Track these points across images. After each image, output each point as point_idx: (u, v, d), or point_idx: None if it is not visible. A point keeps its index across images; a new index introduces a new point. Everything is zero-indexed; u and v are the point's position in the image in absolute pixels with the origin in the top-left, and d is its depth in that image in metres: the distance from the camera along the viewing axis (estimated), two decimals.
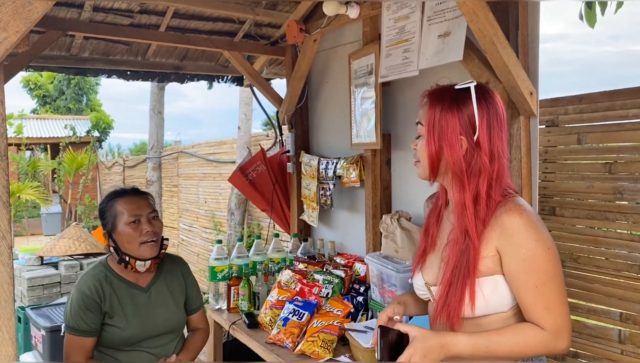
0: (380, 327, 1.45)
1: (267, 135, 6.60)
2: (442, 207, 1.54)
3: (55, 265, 5.32)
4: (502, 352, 1.34)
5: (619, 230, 2.04)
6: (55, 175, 14.56)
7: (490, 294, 1.37)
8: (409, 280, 1.65)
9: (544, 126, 2.25)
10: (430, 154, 1.43)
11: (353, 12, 2.60)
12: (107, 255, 2.18)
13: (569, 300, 2.15)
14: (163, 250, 2.15)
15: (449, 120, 1.39)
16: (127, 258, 2.06)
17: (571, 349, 2.16)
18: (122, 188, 2.17)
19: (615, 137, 2.04)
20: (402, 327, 1.43)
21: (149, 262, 2.08)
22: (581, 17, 2.86)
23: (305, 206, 3.39)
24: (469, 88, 1.40)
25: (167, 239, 2.20)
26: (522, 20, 1.98)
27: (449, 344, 1.36)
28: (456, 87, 1.43)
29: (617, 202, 2.03)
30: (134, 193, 2.14)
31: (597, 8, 2.84)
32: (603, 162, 2.08)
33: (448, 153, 1.40)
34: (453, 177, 1.43)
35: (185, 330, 2.33)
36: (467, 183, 1.39)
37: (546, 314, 1.32)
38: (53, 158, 15.57)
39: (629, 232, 2.00)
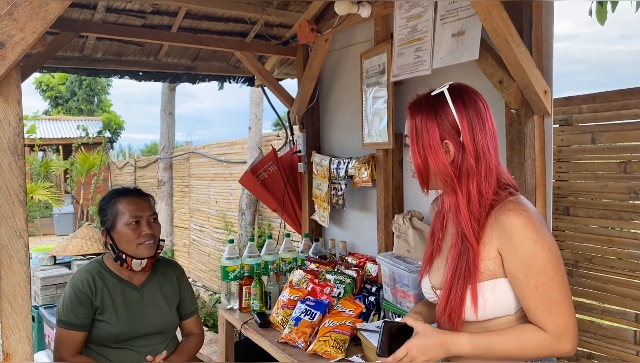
0: (384, 321, 1.45)
1: (278, 136, 6.60)
2: (446, 211, 1.53)
3: (68, 265, 5.36)
4: (502, 353, 1.34)
5: (633, 230, 2.02)
6: (67, 176, 14.70)
7: (493, 298, 1.36)
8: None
9: (557, 125, 2.23)
10: (417, 165, 1.44)
11: (365, 11, 2.60)
12: (104, 253, 2.22)
13: (584, 300, 2.15)
14: (159, 251, 2.19)
15: (429, 128, 1.40)
16: (123, 256, 2.10)
17: (585, 350, 2.14)
18: (125, 188, 2.21)
19: (630, 136, 2.02)
20: (409, 321, 1.43)
21: (145, 260, 2.13)
22: (590, 13, 2.83)
23: (316, 206, 3.39)
24: (444, 92, 1.40)
25: (163, 240, 2.23)
26: (535, 18, 1.97)
27: (449, 343, 1.37)
28: (432, 93, 1.43)
29: (632, 202, 2.01)
30: (137, 194, 2.18)
31: (609, 6, 2.80)
32: (617, 161, 2.06)
33: (433, 162, 1.40)
34: (443, 183, 1.43)
35: (179, 335, 2.35)
36: (457, 187, 1.39)
37: (547, 316, 1.30)
38: (65, 159, 15.73)
39: None
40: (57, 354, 2.04)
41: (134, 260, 2.11)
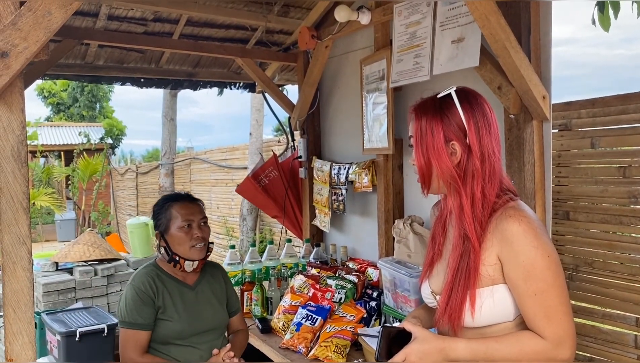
0: (383, 327, 1.46)
1: (279, 141, 6.63)
2: (447, 216, 1.53)
3: (70, 271, 5.36)
4: (500, 359, 1.33)
5: (633, 234, 2.02)
6: (69, 182, 14.73)
7: (491, 303, 1.36)
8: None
9: (557, 130, 2.24)
10: (420, 166, 1.44)
11: (364, 18, 2.62)
12: (156, 256, 2.32)
13: (584, 305, 2.15)
14: (209, 253, 2.29)
15: (434, 130, 1.40)
16: (177, 258, 2.20)
17: (586, 354, 2.14)
18: (176, 193, 2.34)
19: (629, 140, 2.03)
20: (408, 326, 1.43)
21: (197, 262, 2.23)
22: (593, 22, 2.84)
23: (317, 211, 3.40)
24: (450, 94, 1.41)
25: (212, 243, 2.32)
26: (534, 24, 1.98)
27: (447, 349, 1.36)
28: (438, 95, 1.43)
29: (632, 206, 2.02)
30: (188, 199, 2.29)
31: (610, 11, 2.81)
32: (617, 166, 2.07)
33: (436, 163, 1.40)
34: (446, 185, 1.43)
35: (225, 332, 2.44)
36: (462, 189, 1.39)
37: (545, 323, 1.30)
38: (67, 165, 15.77)
39: None
40: (125, 355, 2.13)
41: (187, 262, 2.21)
